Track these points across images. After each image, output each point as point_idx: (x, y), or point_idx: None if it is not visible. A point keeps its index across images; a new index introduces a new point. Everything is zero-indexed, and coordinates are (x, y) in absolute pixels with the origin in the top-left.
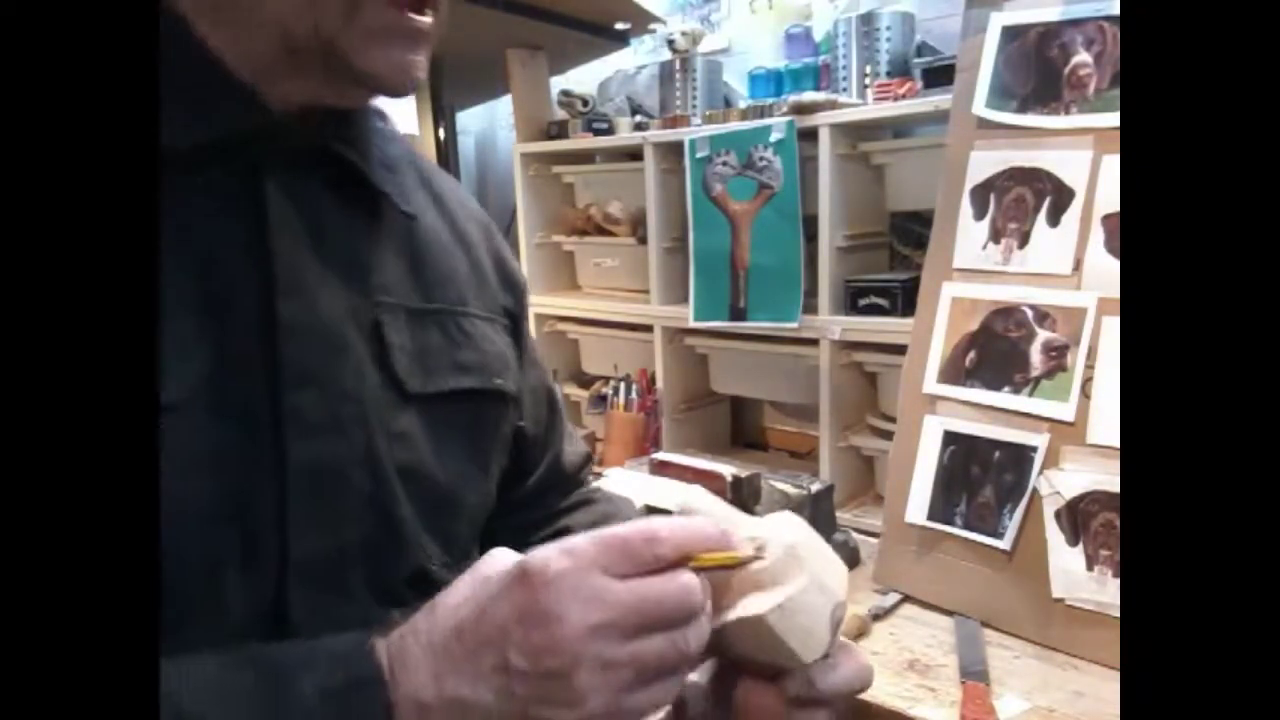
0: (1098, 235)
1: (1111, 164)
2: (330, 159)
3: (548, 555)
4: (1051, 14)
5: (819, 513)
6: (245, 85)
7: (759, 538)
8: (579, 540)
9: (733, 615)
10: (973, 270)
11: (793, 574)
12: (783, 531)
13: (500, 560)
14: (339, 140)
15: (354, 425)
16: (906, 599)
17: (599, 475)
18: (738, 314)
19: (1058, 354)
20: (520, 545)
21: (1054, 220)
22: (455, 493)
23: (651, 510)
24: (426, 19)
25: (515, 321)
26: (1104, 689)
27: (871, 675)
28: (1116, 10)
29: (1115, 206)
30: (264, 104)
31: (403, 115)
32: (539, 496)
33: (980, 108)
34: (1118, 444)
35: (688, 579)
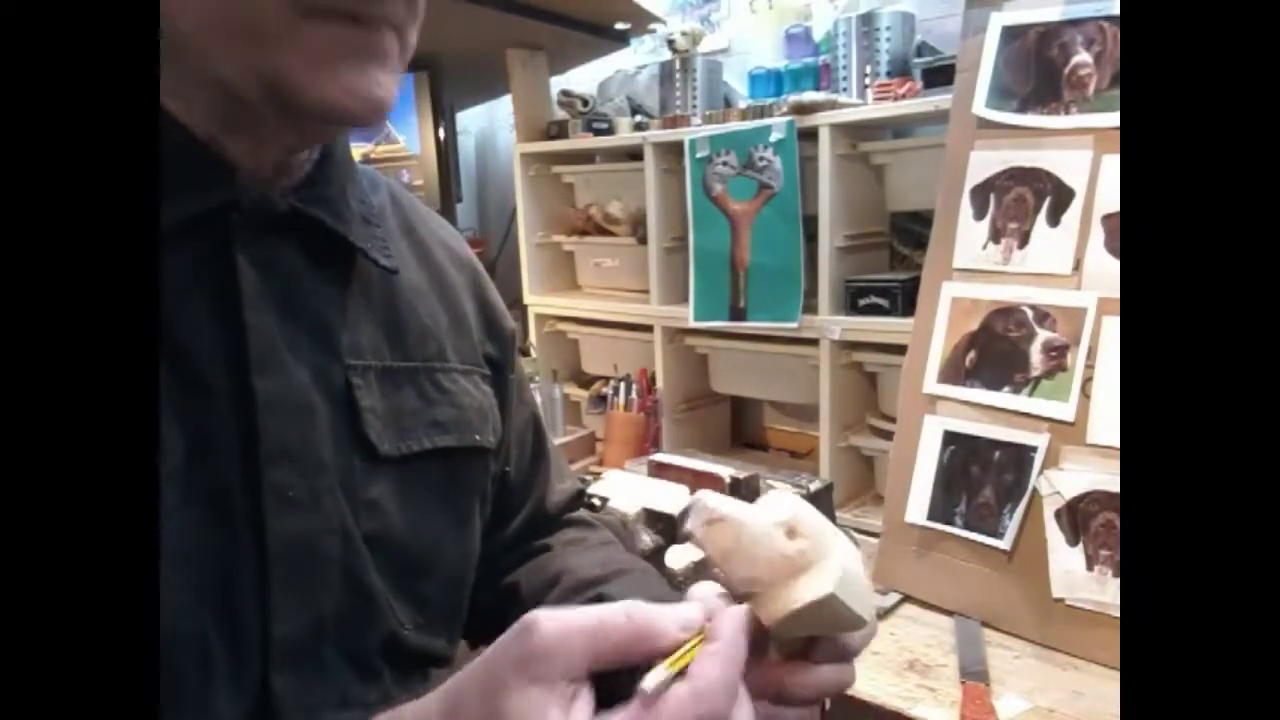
0: (1098, 235)
1: (1111, 164)
2: (304, 220)
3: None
4: (1051, 14)
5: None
6: (211, 151)
7: (786, 520)
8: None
9: (797, 603)
10: (973, 270)
11: (828, 545)
12: (793, 508)
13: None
14: (312, 201)
15: (328, 495)
16: (906, 599)
17: (598, 476)
18: (738, 314)
19: (1058, 354)
20: (497, 590)
21: (1054, 220)
22: (427, 557)
23: (650, 514)
24: (378, 34)
25: (499, 370)
26: (1104, 689)
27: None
28: (1116, 10)
29: (1115, 206)
30: (233, 170)
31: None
32: (519, 542)
33: (980, 108)
34: (1118, 444)
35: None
